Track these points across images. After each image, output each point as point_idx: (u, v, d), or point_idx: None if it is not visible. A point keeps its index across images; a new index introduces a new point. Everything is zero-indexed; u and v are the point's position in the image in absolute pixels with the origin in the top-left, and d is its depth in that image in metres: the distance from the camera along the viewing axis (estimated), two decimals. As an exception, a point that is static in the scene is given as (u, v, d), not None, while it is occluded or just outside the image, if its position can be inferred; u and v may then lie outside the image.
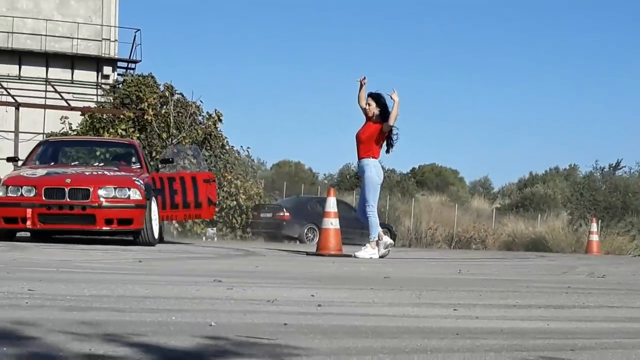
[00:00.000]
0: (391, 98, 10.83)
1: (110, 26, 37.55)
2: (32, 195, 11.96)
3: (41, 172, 12.51)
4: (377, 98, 10.97)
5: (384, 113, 10.89)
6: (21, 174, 12.48)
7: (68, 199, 11.95)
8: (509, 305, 5.26)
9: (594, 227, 21.44)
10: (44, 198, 11.92)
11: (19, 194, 11.96)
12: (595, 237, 21.18)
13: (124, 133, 24.76)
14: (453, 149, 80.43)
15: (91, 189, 12.02)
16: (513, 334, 3.94)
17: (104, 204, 12.02)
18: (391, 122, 10.79)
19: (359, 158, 11.04)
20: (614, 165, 36.69)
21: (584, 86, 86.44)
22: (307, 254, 11.81)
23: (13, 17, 35.90)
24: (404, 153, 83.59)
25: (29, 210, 11.89)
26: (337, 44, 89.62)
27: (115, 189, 12.10)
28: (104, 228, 12.11)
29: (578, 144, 79.49)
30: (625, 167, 36.53)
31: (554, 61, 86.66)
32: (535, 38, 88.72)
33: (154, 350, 3.05)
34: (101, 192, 12.04)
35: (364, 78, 10.96)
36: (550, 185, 44.10)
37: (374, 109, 10.93)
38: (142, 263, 8.05)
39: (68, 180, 12.08)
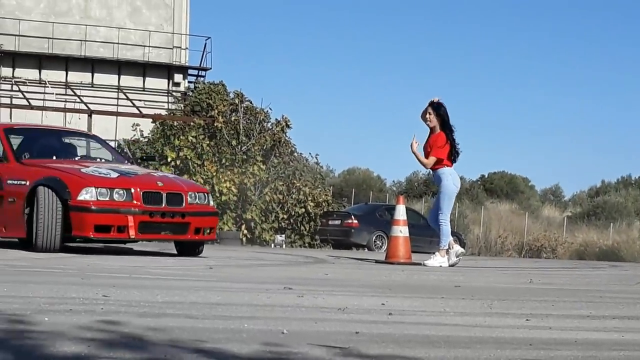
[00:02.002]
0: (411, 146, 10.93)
1: (181, 34, 37.93)
2: (126, 199, 10.13)
3: (107, 171, 10.56)
4: (437, 109, 10.90)
5: (444, 124, 10.84)
6: (90, 172, 10.41)
7: (166, 205, 10.34)
8: (582, 315, 5.20)
9: (668, 236, 21.07)
10: (144, 204, 10.18)
11: (109, 197, 10.05)
12: (669, 247, 20.81)
13: (194, 140, 24.98)
14: (523, 156, 79.70)
15: (183, 195, 10.52)
16: (587, 345, 3.89)
17: (195, 211, 10.56)
18: (425, 167, 11.15)
19: (432, 169, 10.99)
20: (688, 173, 36.01)
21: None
22: (376, 261, 11.80)
23: (86, 25, 36.45)
24: (473, 160, 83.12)
25: (130, 218, 10.06)
26: (407, 50, 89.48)
27: (196, 194, 10.70)
28: (193, 238, 10.65)
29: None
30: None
31: (625, 68, 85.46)
32: (607, 43, 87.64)
33: (228, 357, 3.07)
34: (189, 198, 10.58)
35: (438, 100, 10.91)
36: (622, 194, 43.46)
37: (434, 119, 10.87)
38: (212, 270, 8.12)
39: (160, 184, 10.52)
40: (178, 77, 37.68)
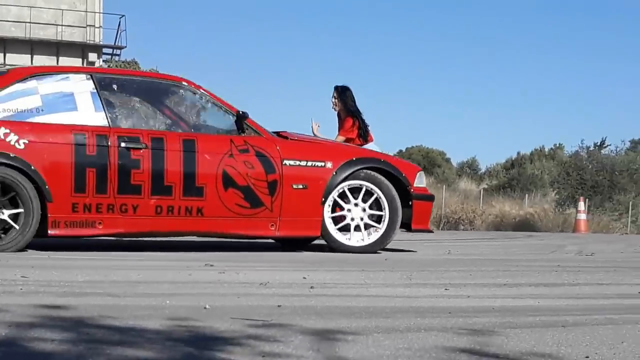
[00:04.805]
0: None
1: (95, 12, 37.39)
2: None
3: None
4: (341, 93, 10.89)
5: (349, 108, 10.82)
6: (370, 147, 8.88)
7: None
8: (499, 284, 5.31)
9: (582, 206, 21.52)
10: None
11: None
12: (583, 216, 21.25)
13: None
14: (440, 130, 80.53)
15: None
16: (505, 311, 3.98)
17: None
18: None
19: None
20: (599, 144, 36.79)
21: (568, 64, 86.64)
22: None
23: (-3, 4, 35.73)
24: (390, 135, 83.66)
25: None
26: (318, 22, 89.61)
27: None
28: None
29: (564, 123, 79.69)
30: (610, 145, 36.64)
31: (542, 42, 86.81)
32: (523, 20, 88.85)
33: (152, 333, 3.08)
34: None
35: (343, 85, 10.87)
36: (537, 166, 44.22)
37: (339, 104, 10.87)
38: (131, 250, 8.06)
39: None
40: (92, 56, 37.15)
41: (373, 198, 8.05)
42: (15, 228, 7.04)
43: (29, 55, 36.08)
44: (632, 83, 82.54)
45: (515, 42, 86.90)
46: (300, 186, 7.93)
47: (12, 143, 7.07)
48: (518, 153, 53.01)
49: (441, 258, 7.86)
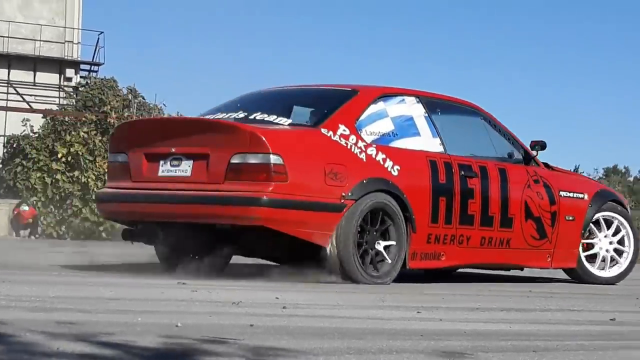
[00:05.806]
0: None
1: (74, 28, 37.29)
2: None
3: None
4: None
5: None
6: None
7: None
8: (471, 308, 5.32)
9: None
10: None
11: None
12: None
13: (86, 136, 24.63)
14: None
15: None
16: (476, 335, 3.99)
17: None
18: None
19: None
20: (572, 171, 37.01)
21: (543, 88, 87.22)
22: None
23: (-25, 18, 35.59)
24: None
25: None
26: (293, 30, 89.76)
27: None
28: None
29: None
30: (583, 172, 36.87)
31: (524, 67, 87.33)
32: (507, 38, 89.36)
33: (123, 348, 3.06)
34: None
35: None
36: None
37: None
38: (104, 265, 8.03)
39: None
40: (70, 72, 37.01)
41: (612, 229, 8.40)
42: (387, 261, 6.77)
43: (6, 70, 35.93)
44: (605, 112, 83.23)
45: (500, 64, 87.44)
46: (570, 218, 8.06)
47: (389, 169, 6.79)
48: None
49: (414, 282, 7.86)
